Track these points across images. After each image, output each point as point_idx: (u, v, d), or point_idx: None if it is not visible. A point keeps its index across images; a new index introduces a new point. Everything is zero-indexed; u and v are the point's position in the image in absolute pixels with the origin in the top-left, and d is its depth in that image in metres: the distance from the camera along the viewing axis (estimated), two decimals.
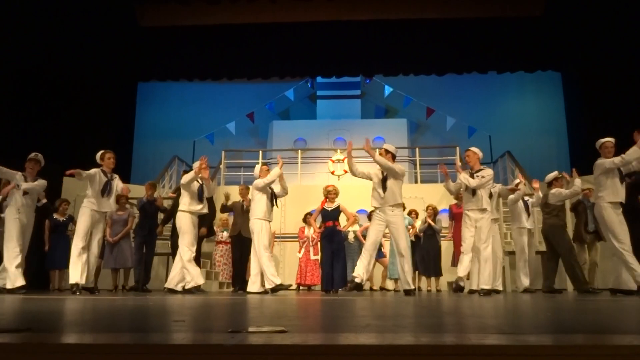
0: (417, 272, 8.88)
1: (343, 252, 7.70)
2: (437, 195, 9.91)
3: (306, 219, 8.97)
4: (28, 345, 1.39)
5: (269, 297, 5.69)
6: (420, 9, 11.63)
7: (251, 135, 14.67)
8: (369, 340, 1.43)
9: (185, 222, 6.83)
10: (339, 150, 12.43)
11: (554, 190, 7.32)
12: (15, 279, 6.26)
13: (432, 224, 8.73)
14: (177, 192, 7.89)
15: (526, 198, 8.07)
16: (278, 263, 9.80)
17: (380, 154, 6.42)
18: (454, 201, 8.64)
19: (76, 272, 6.26)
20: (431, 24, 11.69)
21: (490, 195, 6.77)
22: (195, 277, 6.70)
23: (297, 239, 9.27)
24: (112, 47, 11.35)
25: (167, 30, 11.99)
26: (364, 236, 7.78)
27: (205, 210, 7.17)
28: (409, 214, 9.05)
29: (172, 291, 6.71)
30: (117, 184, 6.70)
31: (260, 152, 11.94)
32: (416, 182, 11.41)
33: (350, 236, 8.86)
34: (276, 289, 6.51)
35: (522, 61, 12.44)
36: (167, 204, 9.10)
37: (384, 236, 6.89)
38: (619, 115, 9.64)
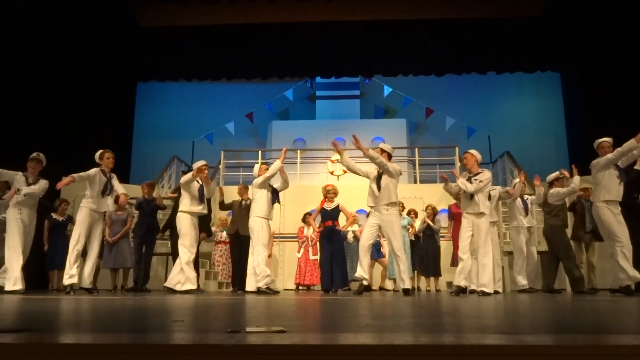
0: (416, 272, 8.89)
1: (342, 252, 7.71)
2: (436, 195, 9.91)
3: (305, 218, 8.98)
4: (27, 346, 1.39)
5: (268, 297, 5.69)
6: (420, 10, 11.64)
7: (250, 136, 14.66)
8: (368, 340, 1.43)
9: (185, 223, 6.83)
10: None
11: (552, 190, 7.34)
12: (16, 281, 6.26)
13: (431, 224, 8.74)
14: (177, 192, 7.89)
15: (525, 197, 8.08)
16: (277, 263, 9.81)
17: (377, 154, 6.43)
18: (453, 201, 8.64)
19: (71, 274, 6.25)
20: (430, 24, 11.69)
21: (489, 198, 6.76)
22: (189, 280, 6.68)
23: (296, 239, 9.27)
24: (112, 47, 11.34)
25: (166, 30, 11.99)
26: None
27: (205, 211, 7.19)
28: (408, 214, 9.06)
29: (171, 291, 6.71)
30: (118, 188, 6.68)
31: (260, 152, 11.94)
32: (415, 182, 11.43)
33: (350, 236, 8.86)
34: (264, 291, 6.46)
35: (521, 61, 12.45)
36: (166, 204, 9.11)
37: (384, 236, 6.87)
38: (618, 115, 9.65)
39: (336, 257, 7.52)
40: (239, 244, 7.86)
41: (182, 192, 7.01)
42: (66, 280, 6.27)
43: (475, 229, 6.18)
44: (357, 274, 6.28)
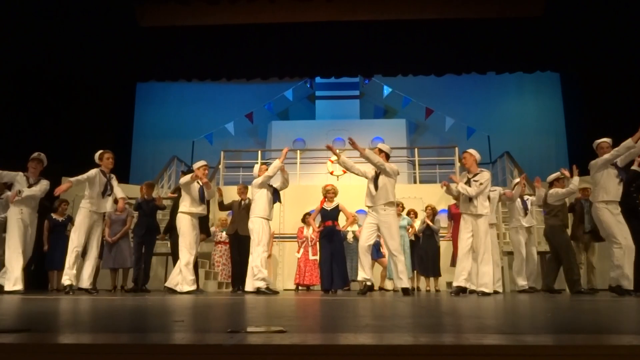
0: (415, 273, 8.89)
1: (342, 252, 7.70)
2: (436, 196, 9.92)
3: (305, 219, 8.98)
4: (27, 346, 1.39)
5: (268, 297, 5.69)
6: (419, 10, 11.64)
7: (250, 136, 14.67)
8: (368, 340, 1.43)
9: (185, 224, 6.83)
10: (337, 151, 12.43)
11: (552, 190, 7.34)
12: (16, 281, 6.25)
13: (430, 224, 8.74)
14: (177, 192, 7.88)
15: (526, 198, 8.08)
16: (277, 263, 9.81)
17: (374, 153, 6.44)
18: (453, 201, 8.64)
19: (70, 274, 6.24)
20: (430, 24, 11.70)
21: (489, 199, 6.75)
22: (186, 282, 6.67)
23: (295, 239, 9.27)
24: (112, 47, 11.35)
25: (166, 31, 11.99)
26: None
27: (205, 212, 7.19)
28: (408, 214, 9.06)
29: (172, 291, 6.71)
30: (117, 192, 6.65)
31: (259, 152, 11.93)
32: (415, 182, 11.43)
33: (350, 236, 8.86)
34: (264, 291, 6.45)
35: (521, 62, 12.46)
36: (166, 204, 9.10)
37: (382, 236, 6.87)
38: (618, 115, 9.65)
39: (336, 257, 7.51)
40: (239, 244, 7.86)
41: (182, 193, 7.00)
42: (65, 281, 6.27)
43: (474, 229, 6.18)
44: (359, 277, 6.26)
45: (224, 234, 8.95)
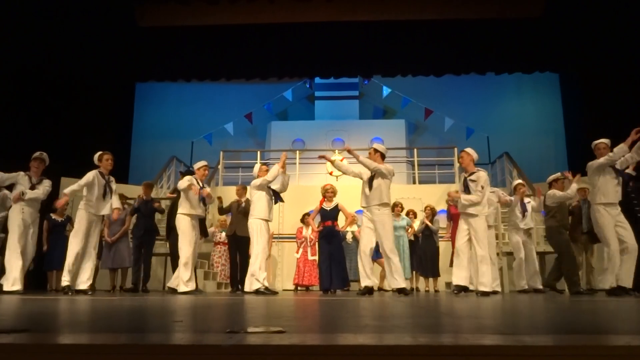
0: (414, 273, 8.90)
1: (341, 252, 7.70)
2: (435, 196, 9.92)
3: (304, 219, 8.98)
4: (26, 346, 1.39)
5: (267, 297, 5.68)
6: (419, 10, 11.65)
7: (249, 136, 14.66)
8: (367, 341, 1.43)
9: (185, 225, 6.82)
10: (337, 151, 12.42)
11: (550, 192, 7.35)
12: (14, 281, 6.24)
13: (430, 224, 8.74)
14: (177, 193, 7.87)
15: (526, 200, 8.07)
16: (276, 264, 9.81)
17: (370, 154, 6.44)
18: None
19: (69, 275, 6.23)
20: (429, 24, 11.71)
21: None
22: (182, 282, 6.66)
23: (295, 240, 9.27)
24: (111, 47, 11.35)
25: (165, 31, 11.99)
26: None
27: (204, 215, 7.19)
28: (407, 214, 9.07)
29: (174, 291, 6.72)
30: (113, 201, 6.59)
31: (259, 152, 11.93)
32: (414, 182, 11.44)
33: (349, 236, 8.86)
34: (263, 291, 6.44)
35: (520, 62, 12.47)
36: (165, 204, 9.10)
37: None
38: (617, 116, 9.65)
39: (335, 257, 7.51)
40: (237, 245, 7.86)
41: (182, 195, 6.99)
42: (64, 282, 6.25)
43: (472, 229, 6.19)
44: (363, 284, 6.23)
45: (223, 234, 8.94)
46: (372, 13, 11.72)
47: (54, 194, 8.65)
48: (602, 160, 5.99)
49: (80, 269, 6.38)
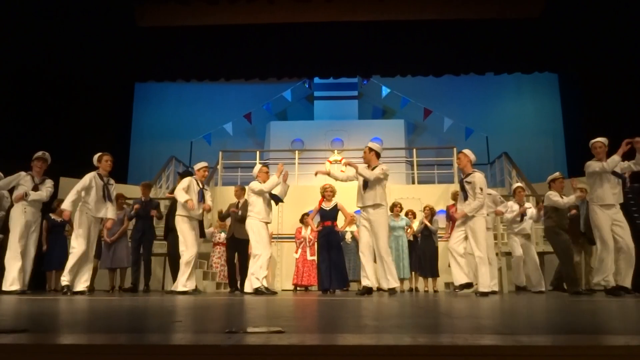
0: (413, 273, 8.90)
1: (341, 253, 7.70)
2: (434, 196, 9.93)
3: (303, 219, 8.98)
4: (26, 346, 1.39)
5: (266, 297, 5.68)
6: (418, 10, 11.66)
7: (248, 136, 14.66)
8: (366, 341, 1.43)
9: (184, 226, 6.80)
10: (336, 151, 12.45)
11: (548, 193, 7.36)
12: (13, 281, 6.24)
13: (429, 224, 8.75)
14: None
15: (527, 205, 8.06)
16: (275, 264, 9.81)
17: (365, 152, 6.45)
18: (452, 202, 8.65)
19: (69, 275, 6.20)
20: (429, 25, 11.72)
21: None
22: (181, 282, 6.65)
23: (294, 240, 9.27)
24: (110, 47, 11.34)
25: (164, 31, 11.99)
26: None
27: (202, 217, 7.18)
28: (406, 214, 9.07)
29: (178, 292, 6.71)
30: (109, 212, 6.52)
31: (258, 152, 11.93)
32: (413, 182, 11.44)
33: (348, 236, 8.86)
34: (262, 291, 6.44)
35: (519, 62, 12.49)
36: (164, 204, 9.10)
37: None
38: (616, 116, 9.68)
39: (334, 257, 7.51)
40: (235, 247, 7.83)
41: None
42: (63, 282, 6.24)
43: (470, 230, 6.19)
44: (364, 284, 6.24)
45: (222, 235, 8.93)
46: (372, 13, 11.72)
47: (54, 193, 8.66)
48: (596, 167, 6.03)
49: (79, 271, 6.37)
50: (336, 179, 6.72)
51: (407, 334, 1.69)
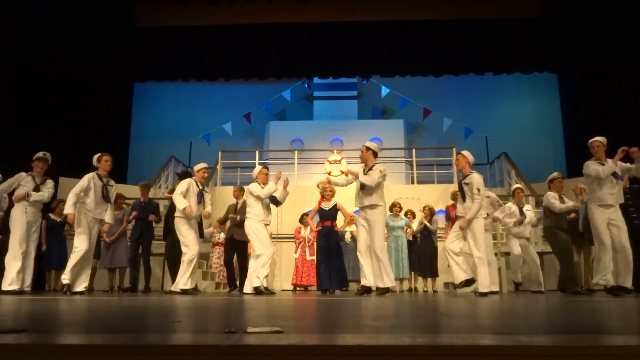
0: (413, 273, 8.90)
1: (340, 252, 7.70)
2: (433, 196, 9.93)
3: (302, 219, 8.97)
4: (25, 346, 1.39)
5: (265, 297, 5.68)
6: (418, 10, 11.66)
7: (248, 136, 14.65)
8: (365, 341, 1.43)
9: (183, 227, 6.79)
10: (335, 151, 12.45)
11: (547, 194, 7.36)
12: (12, 281, 6.23)
13: (428, 224, 8.75)
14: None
15: (525, 208, 8.05)
16: (274, 264, 9.80)
17: (362, 152, 6.46)
18: (451, 202, 8.65)
19: (70, 274, 6.20)
20: (428, 25, 11.73)
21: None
22: (181, 281, 6.65)
23: (293, 240, 9.26)
24: (109, 47, 11.35)
25: (163, 31, 11.99)
26: None
27: (199, 219, 7.17)
28: (406, 214, 9.07)
29: (184, 290, 6.71)
30: (107, 215, 6.50)
31: (257, 152, 11.92)
32: (413, 182, 11.44)
33: (347, 236, 8.85)
34: (258, 290, 6.43)
35: (518, 62, 12.49)
36: (163, 204, 9.10)
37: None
38: (615, 116, 9.69)
39: (333, 257, 7.51)
40: (234, 248, 7.80)
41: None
42: (64, 280, 6.22)
43: (467, 230, 6.20)
44: (363, 283, 6.26)
45: (222, 235, 8.92)
46: (371, 13, 11.73)
47: (54, 193, 8.65)
48: (592, 172, 6.06)
49: (79, 270, 6.36)
50: (337, 184, 6.75)
51: (407, 334, 1.69)
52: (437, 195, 10.11)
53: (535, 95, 14.42)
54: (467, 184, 6.27)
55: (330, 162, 12.11)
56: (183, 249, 6.77)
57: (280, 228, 9.93)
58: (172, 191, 8.81)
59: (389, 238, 8.67)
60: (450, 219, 8.55)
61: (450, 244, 6.30)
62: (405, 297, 6.09)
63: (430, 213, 8.88)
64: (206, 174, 7.25)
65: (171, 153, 12.46)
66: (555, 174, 7.56)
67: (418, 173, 11.50)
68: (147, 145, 14.18)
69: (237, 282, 7.80)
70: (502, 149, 12.10)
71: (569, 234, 7.40)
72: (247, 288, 6.62)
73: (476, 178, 6.26)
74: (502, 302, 4.78)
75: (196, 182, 6.99)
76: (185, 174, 7.91)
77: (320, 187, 7.57)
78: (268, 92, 14.36)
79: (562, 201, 7.26)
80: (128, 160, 13.74)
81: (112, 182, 6.65)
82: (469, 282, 6.19)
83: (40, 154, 6.68)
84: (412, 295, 6.98)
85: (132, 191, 9.25)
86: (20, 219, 6.41)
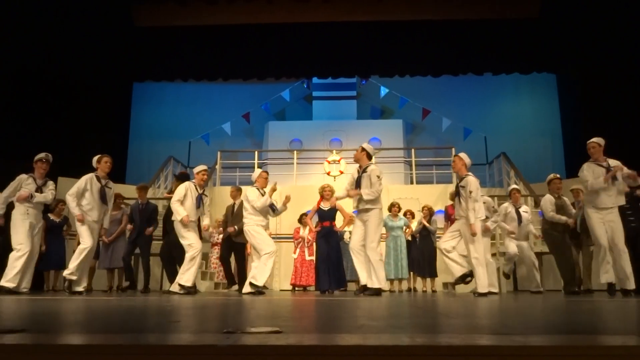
0: (412, 273, 8.90)
1: (339, 253, 7.70)
2: (432, 196, 9.93)
3: (302, 219, 8.97)
4: (25, 346, 1.39)
5: (264, 298, 5.68)
6: (417, 11, 11.66)
7: (247, 136, 14.65)
8: (364, 341, 1.43)
9: (184, 229, 6.77)
10: (334, 151, 12.45)
11: (544, 198, 7.37)
12: (10, 279, 6.21)
13: (427, 224, 8.75)
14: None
15: (523, 209, 8.06)
16: (274, 264, 9.79)
17: (357, 152, 6.47)
18: (450, 202, 8.64)
19: (74, 269, 6.17)
20: (427, 25, 11.73)
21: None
22: (184, 278, 6.63)
23: (292, 240, 9.26)
24: (108, 47, 11.33)
25: (163, 31, 11.98)
26: None
27: (196, 221, 7.15)
28: (405, 214, 9.07)
29: (182, 286, 6.70)
30: (105, 219, 6.53)
31: (256, 152, 11.92)
32: (412, 183, 11.44)
33: (346, 236, 8.84)
34: (253, 285, 6.43)
35: (517, 63, 12.50)
36: (162, 205, 9.08)
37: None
38: (614, 116, 9.69)
39: (332, 257, 7.51)
40: (230, 247, 7.78)
41: None
42: (71, 277, 6.21)
43: (464, 232, 6.22)
44: (362, 282, 6.27)
45: (221, 235, 8.92)
46: (370, 13, 11.72)
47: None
48: (582, 182, 6.18)
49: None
50: (338, 198, 6.72)
51: (405, 334, 1.69)
52: (436, 195, 10.12)
53: (534, 95, 14.43)
54: (463, 186, 6.28)
55: (329, 162, 12.11)
56: (186, 247, 6.75)
57: (279, 228, 9.93)
58: (171, 191, 8.80)
59: (388, 238, 8.68)
60: (449, 219, 8.57)
61: (443, 243, 6.33)
62: (404, 297, 6.10)
63: (429, 213, 8.88)
64: (205, 177, 7.15)
65: (170, 153, 12.45)
66: (552, 175, 7.57)
67: (417, 173, 11.51)
68: (146, 145, 14.16)
69: (236, 279, 7.79)
70: (501, 149, 12.11)
71: (566, 235, 7.41)
72: (247, 289, 6.62)
73: (472, 181, 6.25)
74: (501, 302, 4.78)
75: (195, 185, 6.94)
76: (183, 176, 7.88)
77: (320, 189, 7.58)
78: (267, 92, 14.35)
79: (561, 202, 7.28)
80: (127, 160, 13.73)
81: (110, 184, 6.64)
82: (465, 276, 6.19)
83: (42, 155, 6.63)
84: (411, 295, 6.99)
85: (131, 191, 9.23)
86: (22, 221, 6.38)
